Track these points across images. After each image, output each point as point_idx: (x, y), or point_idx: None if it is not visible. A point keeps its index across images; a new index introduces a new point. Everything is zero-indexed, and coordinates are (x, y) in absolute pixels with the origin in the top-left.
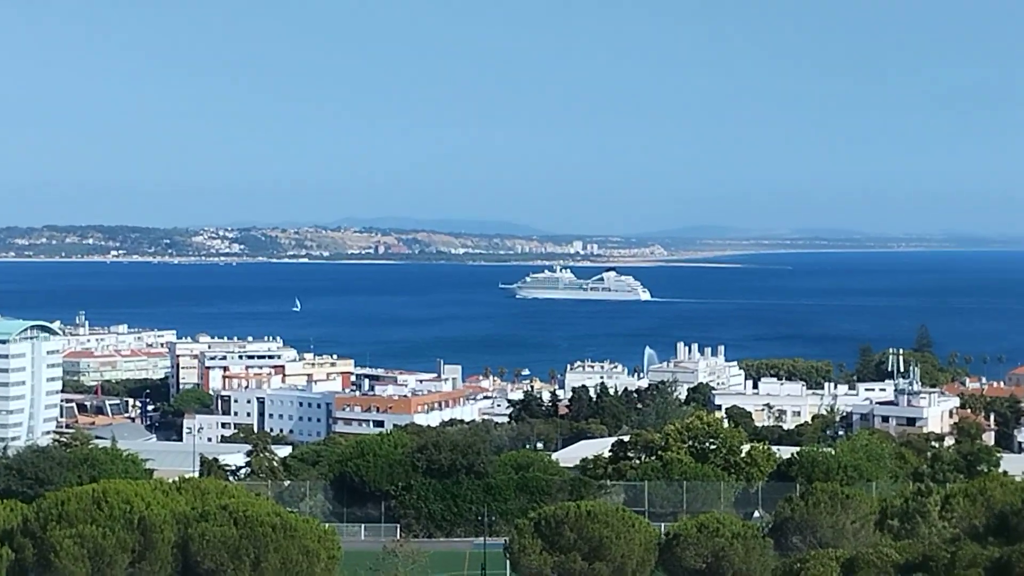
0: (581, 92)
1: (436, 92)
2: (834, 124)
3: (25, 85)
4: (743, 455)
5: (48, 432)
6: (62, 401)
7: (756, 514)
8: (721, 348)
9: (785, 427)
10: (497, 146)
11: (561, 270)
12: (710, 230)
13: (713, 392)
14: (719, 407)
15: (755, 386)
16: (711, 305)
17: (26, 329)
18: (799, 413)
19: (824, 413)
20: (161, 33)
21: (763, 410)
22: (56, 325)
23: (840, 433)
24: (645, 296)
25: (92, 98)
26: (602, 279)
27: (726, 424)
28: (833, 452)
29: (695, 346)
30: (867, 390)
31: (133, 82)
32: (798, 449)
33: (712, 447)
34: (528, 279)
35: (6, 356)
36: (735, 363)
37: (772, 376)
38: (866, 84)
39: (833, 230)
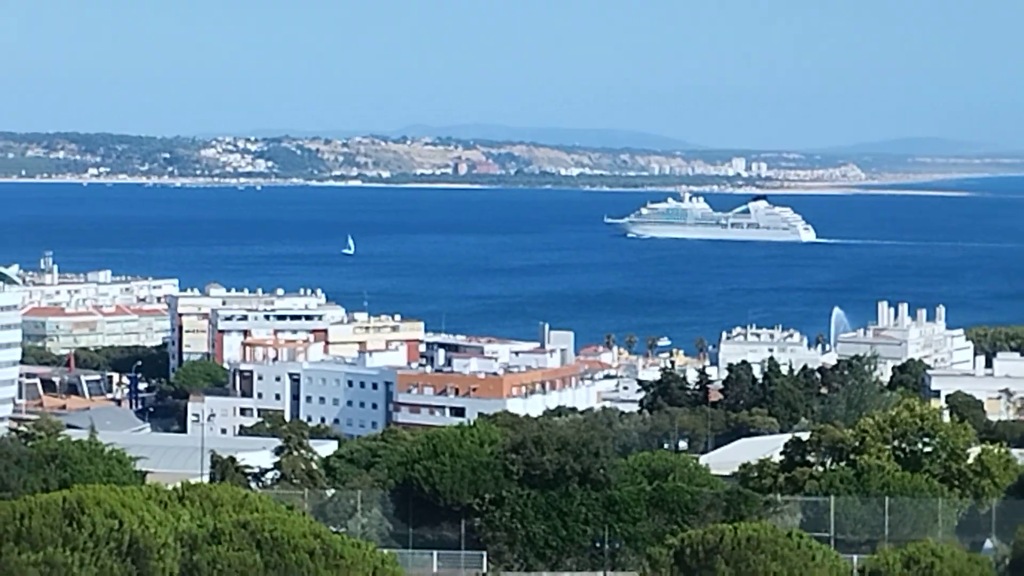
0: None
1: None
2: None
3: None
4: (971, 461)
5: (2, 419)
6: (21, 376)
7: (988, 544)
8: (941, 310)
9: None
10: (623, 29)
11: (692, 198)
12: (929, 144)
13: (929, 373)
14: (937, 393)
15: (989, 364)
16: (926, 249)
17: None
18: None
19: None
20: None
21: (1000, 398)
22: (12, 271)
23: None
24: (808, 236)
25: None
26: (747, 211)
27: (947, 418)
28: None
29: (904, 307)
30: None
31: None
32: None
33: (927, 450)
34: (644, 211)
35: None
36: (960, 332)
37: (1014, 350)
38: None
39: None
